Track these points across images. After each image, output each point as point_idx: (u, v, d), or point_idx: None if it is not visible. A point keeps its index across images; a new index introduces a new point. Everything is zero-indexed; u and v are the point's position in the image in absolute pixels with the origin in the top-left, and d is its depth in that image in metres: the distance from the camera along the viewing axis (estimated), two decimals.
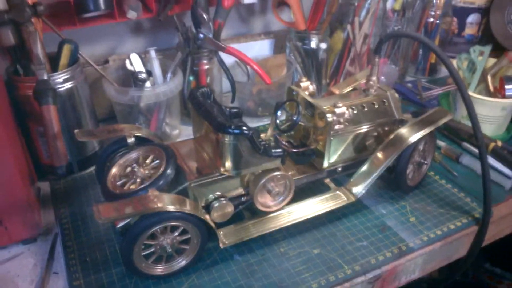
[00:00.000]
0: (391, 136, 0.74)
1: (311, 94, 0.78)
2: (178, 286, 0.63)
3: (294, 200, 0.72)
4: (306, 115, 0.76)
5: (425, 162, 0.79)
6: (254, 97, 1.00)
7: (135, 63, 0.88)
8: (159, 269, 0.62)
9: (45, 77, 0.72)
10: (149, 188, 0.60)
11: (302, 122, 0.75)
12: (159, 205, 0.57)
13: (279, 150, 0.65)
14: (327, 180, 0.77)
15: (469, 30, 1.16)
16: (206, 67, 0.94)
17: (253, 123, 1.00)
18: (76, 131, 0.70)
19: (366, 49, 1.08)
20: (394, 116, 0.78)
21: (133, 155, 0.68)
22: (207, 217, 0.63)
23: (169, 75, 0.88)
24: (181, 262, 0.63)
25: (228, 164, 0.65)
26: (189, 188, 0.65)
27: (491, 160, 0.85)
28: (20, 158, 0.71)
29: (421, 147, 0.77)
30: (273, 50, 1.11)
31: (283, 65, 1.02)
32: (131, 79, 0.89)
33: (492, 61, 0.99)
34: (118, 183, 0.65)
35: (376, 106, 0.77)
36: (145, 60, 0.90)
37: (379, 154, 0.74)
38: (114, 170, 0.66)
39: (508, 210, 0.78)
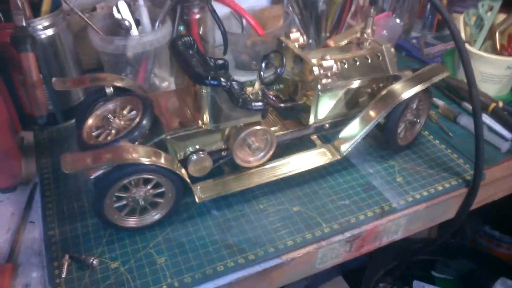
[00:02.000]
0: (383, 92, 0.70)
1: (302, 46, 0.74)
2: (152, 238, 0.63)
3: (278, 155, 0.70)
4: (295, 68, 0.72)
5: (418, 121, 0.76)
6: (248, 49, 0.96)
7: (123, 11, 0.85)
8: (132, 222, 0.62)
9: (23, 24, 0.70)
10: (121, 139, 0.59)
11: (288, 75, 0.71)
12: (130, 156, 0.56)
13: (259, 103, 0.63)
14: (314, 137, 0.75)
15: None
16: (198, 16, 0.90)
17: (247, 76, 0.96)
18: (53, 79, 0.68)
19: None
20: (388, 72, 0.74)
21: (110, 105, 0.66)
22: (183, 171, 0.61)
23: (157, 24, 0.85)
24: (155, 215, 0.63)
25: (206, 117, 0.63)
26: (166, 140, 0.63)
27: (490, 121, 0.81)
28: (1, 107, 0.70)
29: (414, 105, 0.74)
30: (271, 0, 1.06)
31: (280, 16, 0.98)
32: (118, 28, 0.86)
33: (502, 17, 0.92)
34: (94, 133, 0.63)
35: (369, 61, 0.73)
36: (133, 8, 0.86)
37: (369, 111, 0.70)
38: (90, 120, 0.64)
39: (502, 173, 0.74)
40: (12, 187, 0.70)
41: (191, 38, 0.68)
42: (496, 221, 1.38)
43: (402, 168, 0.74)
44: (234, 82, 0.66)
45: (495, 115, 0.81)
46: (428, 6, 1.09)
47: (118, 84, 0.69)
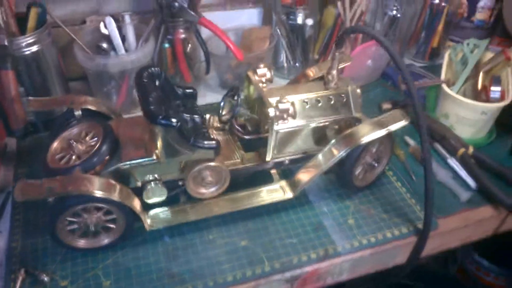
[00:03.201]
0: (341, 135, 0.72)
1: (269, 81, 0.76)
2: (103, 260, 0.67)
3: (235, 186, 0.73)
4: (258, 103, 0.74)
5: (377, 164, 0.77)
6: (232, 70, 0.98)
7: (110, 27, 0.88)
8: (82, 243, 0.66)
9: (5, 43, 0.74)
10: (78, 167, 0.62)
11: (243, 114, 0.73)
12: (83, 188, 0.60)
13: (210, 142, 0.65)
14: (274, 171, 0.77)
15: (480, 15, 1.06)
16: (183, 36, 0.93)
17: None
18: (26, 99, 0.73)
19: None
20: (351, 114, 0.75)
21: (75, 130, 0.70)
22: (135, 202, 0.65)
23: (140, 42, 0.88)
24: (105, 240, 0.67)
25: (159, 151, 0.66)
26: (122, 168, 0.66)
27: (457, 167, 0.81)
28: None
29: (374, 149, 0.75)
30: (262, 20, 1.07)
31: (267, 38, 0.99)
32: (105, 43, 0.89)
33: (490, 55, 0.91)
34: (57, 157, 0.67)
35: (332, 102, 0.74)
36: (121, 23, 0.89)
37: (326, 152, 0.72)
38: (55, 143, 0.68)
39: (457, 224, 0.75)
40: None
41: (157, 69, 0.71)
42: (484, 250, 1.38)
43: (357, 210, 0.75)
44: (195, 116, 0.69)
45: (462, 161, 0.81)
46: (423, 34, 1.08)
47: (88, 107, 0.73)
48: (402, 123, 0.71)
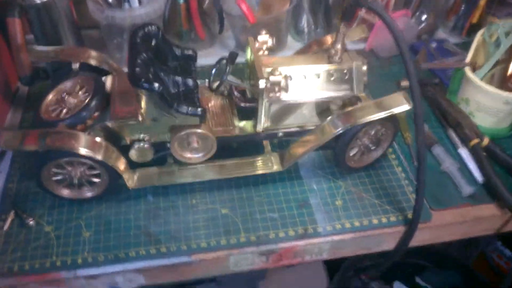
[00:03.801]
0: (339, 113, 0.68)
1: (269, 49, 0.73)
2: (87, 211, 0.69)
3: (226, 153, 0.72)
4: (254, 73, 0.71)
5: (375, 147, 0.73)
6: (248, 31, 0.94)
7: None
8: (66, 193, 0.68)
9: None
10: (60, 123, 0.64)
11: (233, 82, 0.70)
12: (66, 144, 0.61)
13: (195, 109, 0.64)
14: (266, 142, 0.75)
15: None
16: None
17: (243, 57, 0.96)
18: (30, 47, 0.74)
19: None
20: (352, 92, 0.71)
21: (69, 83, 0.70)
22: (119, 162, 0.65)
23: None
24: (88, 193, 0.69)
25: (145, 114, 0.66)
26: (109, 126, 0.67)
27: (467, 157, 0.76)
28: None
29: (372, 131, 0.70)
30: None
31: None
32: None
33: None
34: (50, 108, 0.69)
35: (333, 78, 0.70)
36: None
37: (321, 128, 0.69)
38: (50, 95, 0.70)
39: (453, 219, 0.70)
40: None
41: (154, 28, 0.69)
42: (508, 239, 1.31)
43: (348, 191, 0.73)
44: (188, 80, 0.68)
45: (473, 152, 0.76)
46: (462, 7, 0.98)
47: (87, 61, 0.74)
48: (404, 107, 0.67)
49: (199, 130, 0.67)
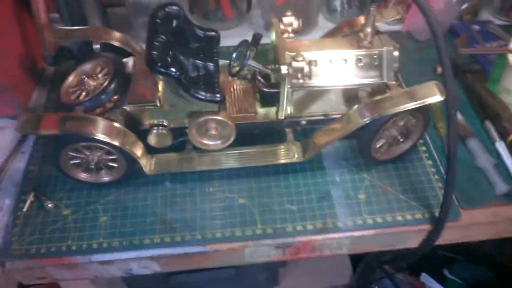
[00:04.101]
0: (366, 102, 0.64)
1: (296, 31, 0.69)
2: (105, 195, 0.69)
3: (247, 139, 0.69)
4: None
5: (404, 139, 0.68)
6: (277, 9, 0.90)
7: None
8: (84, 176, 0.68)
9: None
10: (77, 107, 0.63)
11: (255, 67, 0.67)
12: (79, 128, 0.60)
13: (214, 95, 0.62)
14: (288, 130, 0.72)
15: None
16: None
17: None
18: (53, 28, 0.73)
19: None
20: (382, 79, 0.66)
21: (90, 65, 0.69)
22: (136, 148, 0.64)
23: None
24: (105, 177, 0.68)
25: (163, 99, 0.64)
26: (128, 110, 0.66)
27: (504, 153, 0.70)
28: (16, 43, 0.78)
29: (401, 122, 0.66)
30: None
31: None
32: None
33: None
34: (70, 90, 0.68)
35: (361, 63, 0.66)
36: None
37: (346, 117, 0.65)
38: (71, 77, 0.69)
39: (484, 219, 0.66)
40: (18, 115, 0.80)
41: (176, 8, 0.67)
42: None
43: (372, 185, 0.69)
44: (209, 64, 0.66)
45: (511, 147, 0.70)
46: None
47: (109, 41, 0.72)
48: (436, 98, 0.62)
49: (217, 117, 0.64)
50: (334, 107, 0.69)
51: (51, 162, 0.73)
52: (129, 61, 0.71)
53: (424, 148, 0.73)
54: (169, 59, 0.61)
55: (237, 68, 0.65)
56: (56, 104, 0.67)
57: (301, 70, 0.61)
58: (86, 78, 0.67)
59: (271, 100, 0.70)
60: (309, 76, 0.62)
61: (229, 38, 0.91)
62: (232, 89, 0.74)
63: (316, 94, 0.68)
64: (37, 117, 0.61)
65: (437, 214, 0.65)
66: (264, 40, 0.70)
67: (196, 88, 0.61)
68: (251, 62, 0.64)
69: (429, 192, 0.68)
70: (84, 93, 0.66)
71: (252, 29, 0.95)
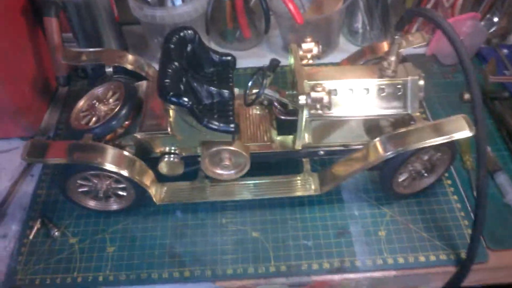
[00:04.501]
0: (390, 134, 0.60)
1: (315, 57, 0.66)
2: (113, 224, 0.67)
3: (259, 169, 0.66)
4: (292, 87, 0.65)
5: (428, 174, 0.64)
6: (296, 31, 0.87)
7: None
8: (92, 204, 0.66)
9: None
10: (86, 134, 0.61)
11: (271, 96, 0.63)
12: (87, 158, 0.58)
13: (228, 125, 0.59)
14: (306, 160, 0.69)
15: None
16: None
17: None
18: (63, 50, 0.72)
19: None
20: (406, 110, 0.63)
21: (101, 88, 0.67)
22: (145, 178, 0.62)
23: None
24: (114, 205, 0.66)
25: (174, 127, 0.62)
26: (139, 138, 0.63)
27: None
28: (29, 65, 0.76)
29: (426, 156, 0.62)
30: None
31: None
32: None
33: None
34: (81, 114, 0.66)
35: (384, 93, 0.62)
36: None
37: (368, 149, 0.61)
38: (82, 101, 0.67)
39: None
40: (28, 136, 0.78)
41: (190, 32, 0.65)
42: None
43: (393, 220, 0.65)
44: (224, 91, 0.63)
45: None
46: None
47: (124, 65, 0.70)
48: (465, 133, 0.58)
49: (231, 148, 0.61)
50: (354, 138, 0.66)
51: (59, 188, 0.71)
52: (142, 85, 0.69)
53: (449, 182, 0.69)
54: (182, 87, 0.59)
55: (253, 97, 0.62)
56: (65, 129, 0.65)
57: (320, 100, 0.58)
58: (97, 103, 0.65)
59: (288, 128, 0.67)
60: (329, 106, 0.59)
61: (247, 59, 0.89)
62: (247, 115, 0.71)
63: (335, 124, 0.65)
64: (43, 145, 0.59)
65: (463, 255, 0.61)
66: (282, 61, 0.67)
67: (209, 118, 0.58)
68: (267, 91, 0.61)
69: (455, 231, 0.64)
70: (94, 119, 0.64)
71: (270, 50, 0.93)
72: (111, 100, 0.66)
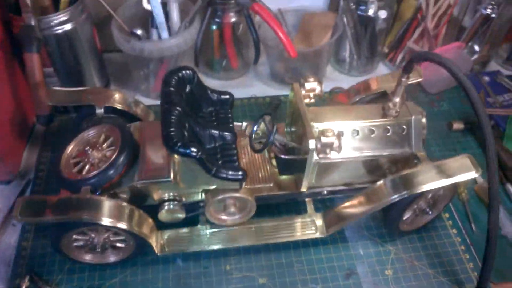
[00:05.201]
0: (395, 175, 0.60)
1: (317, 96, 0.65)
2: (110, 277, 0.62)
3: (261, 212, 0.64)
4: (297, 127, 0.64)
5: (431, 212, 0.65)
6: (284, 61, 0.86)
7: (153, 2, 0.78)
8: (89, 258, 0.62)
9: (32, 23, 0.67)
10: (83, 186, 0.57)
11: (280, 140, 0.62)
12: (88, 215, 0.54)
13: (236, 173, 0.57)
14: (308, 200, 0.68)
15: None
16: (233, 20, 0.81)
17: (278, 89, 0.88)
18: (50, 90, 0.67)
19: (442, 24, 0.85)
20: (410, 149, 0.63)
21: (93, 131, 0.63)
22: (145, 228, 0.58)
23: (183, 24, 0.78)
24: (111, 258, 0.62)
25: (179, 177, 0.59)
26: (138, 186, 0.60)
27: None
28: (7, 105, 0.71)
29: (430, 194, 0.63)
30: (328, 4, 0.92)
31: (329, 27, 0.85)
32: (148, 19, 0.80)
33: None
34: (71, 161, 0.61)
35: (389, 133, 0.62)
36: None
37: (375, 192, 0.61)
38: (70, 147, 0.62)
39: None
40: (6, 181, 0.72)
41: (189, 72, 0.62)
42: None
43: (398, 258, 0.65)
44: (226, 134, 0.61)
45: None
46: None
47: (111, 104, 0.67)
48: (471, 174, 0.58)
49: (239, 195, 0.59)
50: (357, 177, 0.66)
51: (47, 238, 0.66)
52: (135, 128, 0.66)
53: (447, 215, 0.70)
54: (186, 134, 0.56)
55: (261, 145, 0.60)
56: (56, 177, 0.60)
57: (330, 145, 0.57)
58: (90, 150, 0.61)
59: (289, 167, 0.66)
60: (338, 150, 0.58)
61: (235, 89, 0.85)
62: (244, 153, 0.69)
63: (338, 164, 0.64)
64: (37, 202, 0.55)
65: None
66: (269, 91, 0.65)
67: (217, 167, 0.56)
68: (277, 137, 0.59)
69: (458, 266, 0.65)
70: (87, 166, 0.60)
71: (258, 79, 0.91)
72: (104, 146, 0.62)
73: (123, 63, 0.89)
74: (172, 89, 0.59)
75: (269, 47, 0.84)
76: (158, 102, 0.63)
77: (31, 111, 0.79)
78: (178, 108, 0.57)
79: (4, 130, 0.70)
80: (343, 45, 0.88)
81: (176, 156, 0.58)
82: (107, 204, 0.56)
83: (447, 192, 0.64)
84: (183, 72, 0.62)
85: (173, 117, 0.56)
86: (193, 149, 0.53)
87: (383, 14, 0.81)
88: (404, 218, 0.64)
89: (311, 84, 0.64)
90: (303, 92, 0.64)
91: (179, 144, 0.53)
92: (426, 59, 0.54)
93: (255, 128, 0.61)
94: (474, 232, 0.68)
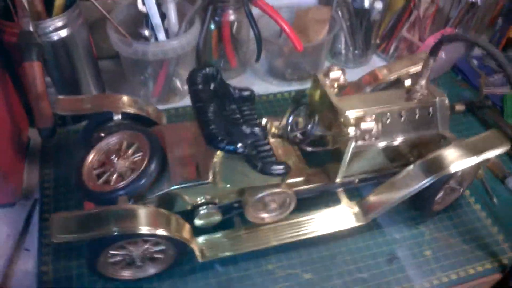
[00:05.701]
0: (428, 157, 0.60)
1: (341, 87, 0.64)
2: None
3: (296, 207, 0.63)
4: (327, 114, 0.63)
5: (460, 188, 0.66)
6: (284, 56, 0.85)
7: (148, 3, 0.75)
8: (127, 274, 0.57)
9: (30, 28, 0.62)
10: (120, 196, 0.52)
11: (319, 130, 0.62)
12: (128, 225, 0.50)
13: (280, 167, 0.55)
14: (340, 189, 0.67)
15: None
16: (232, 18, 0.80)
17: (278, 86, 0.87)
18: (57, 99, 0.62)
19: (432, 12, 0.88)
20: (437, 129, 0.64)
21: (114, 139, 0.59)
22: (185, 233, 0.55)
23: (184, 25, 0.75)
24: (151, 270, 0.58)
25: (219, 177, 0.56)
26: (172, 193, 0.56)
27: None
28: (5, 122, 0.65)
29: (459, 172, 0.64)
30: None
31: (325, 21, 0.85)
32: (143, 21, 0.76)
33: None
34: (94, 172, 0.57)
35: (417, 116, 0.63)
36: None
37: (408, 176, 0.61)
38: (91, 155, 0.58)
39: None
40: (10, 203, 0.66)
41: (212, 69, 0.59)
42: None
43: (433, 238, 0.66)
44: (256, 129, 0.58)
45: None
46: (499, 21, 0.94)
47: (128, 110, 0.63)
48: (502, 149, 0.60)
49: (280, 190, 0.57)
50: (386, 163, 0.66)
51: (68, 258, 0.60)
52: (155, 132, 0.62)
53: (468, 192, 0.72)
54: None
55: (301, 137, 0.58)
56: (81, 191, 0.55)
57: (369, 131, 0.57)
58: (115, 158, 0.57)
59: (316, 159, 0.65)
60: (378, 136, 0.58)
61: None
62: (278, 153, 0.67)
63: (371, 151, 0.64)
64: (73, 217, 0.50)
65: (504, 261, 0.64)
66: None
67: (263, 163, 0.54)
68: (318, 129, 0.58)
69: (489, 238, 0.66)
70: (115, 176, 0.56)
71: (256, 77, 0.89)
72: (129, 152, 0.58)
73: (116, 70, 0.84)
74: (200, 87, 0.57)
75: (268, 43, 0.83)
76: (160, 106, 0.60)
77: (25, 126, 0.73)
78: (212, 105, 0.54)
79: (3, 145, 0.63)
80: (338, 38, 0.89)
81: (216, 155, 0.55)
82: (145, 212, 0.52)
83: (474, 167, 0.65)
84: (207, 69, 0.59)
85: (210, 114, 0.53)
86: (239, 145, 0.51)
87: (378, 5, 0.83)
88: (437, 198, 0.65)
89: (336, 73, 0.64)
90: (327, 82, 0.64)
91: (225, 141, 0.50)
92: (457, 40, 0.55)
93: (290, 119, 0.59)
94: (496, 205, 0.70)
